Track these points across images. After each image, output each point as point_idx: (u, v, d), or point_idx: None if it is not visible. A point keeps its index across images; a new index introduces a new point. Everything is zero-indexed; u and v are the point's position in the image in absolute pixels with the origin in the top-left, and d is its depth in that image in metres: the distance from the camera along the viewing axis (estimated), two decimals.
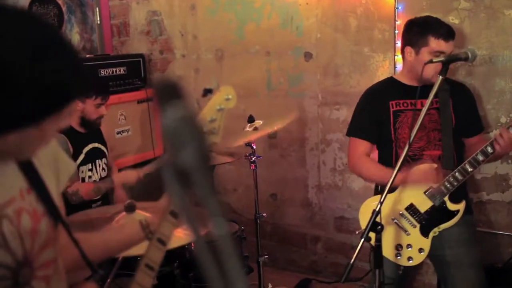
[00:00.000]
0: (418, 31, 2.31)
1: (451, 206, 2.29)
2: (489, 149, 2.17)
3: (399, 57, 3.03)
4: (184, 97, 0.54)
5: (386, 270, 2.09)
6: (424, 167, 2.23)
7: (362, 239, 1.85)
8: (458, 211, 2.29)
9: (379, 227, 1.88)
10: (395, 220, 2.30)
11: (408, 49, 2.35)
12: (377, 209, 1.87)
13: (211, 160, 0.52)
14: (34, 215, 1.08)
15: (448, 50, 2.23)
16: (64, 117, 0.98)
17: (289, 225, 3.73)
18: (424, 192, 2.29)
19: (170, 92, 0.54)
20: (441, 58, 1.95)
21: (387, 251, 2.27)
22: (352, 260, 1.84)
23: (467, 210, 2.34)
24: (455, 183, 2.23)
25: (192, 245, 2.55)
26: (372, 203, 2.41)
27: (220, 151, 2.86)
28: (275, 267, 3.66)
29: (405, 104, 2.37)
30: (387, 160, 2.39)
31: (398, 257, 2.30)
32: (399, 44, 3.01)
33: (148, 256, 1.21)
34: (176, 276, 2.58)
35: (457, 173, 2.22)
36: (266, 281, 3.08)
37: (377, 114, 2.40)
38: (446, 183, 2.24)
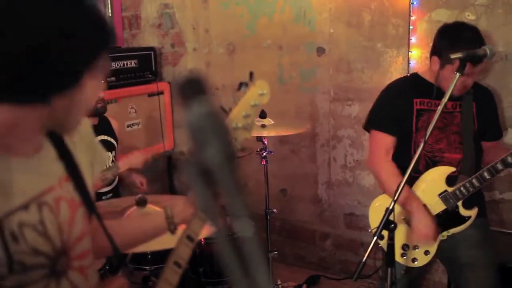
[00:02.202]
0: (448, 44, 2.17)
1: (463, 212, 2.25)
2: (509, 159, 2.12)
3: (413, 53, 3.00)
4: (209, 93, 0.53)
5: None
6: (428, 226, 2.17)
7: (375, 238, 1.82)
8: (469, 217, 2.25)
9: (392, 225, 1.85)
10: (406, 220, 2.27)
11: (435, 59, 2.23)
12: (390, 207, 1.84)
13: (236, 158, 0.50)
14: (72, 204, 1.08)
15: (475, 72, 2.15)
16: (97, 76, 1.02)
17: (299, 221, 3.71)
18: (438, 195, 2.25)
19: (195, 88, 0.52)
20: (459, 55, 1.90)
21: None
22: (364, 258, 1.82)
23: (481, 213, 2.31)
24: (471, 189, 2.19)
25: (202, 240, 2.54)
26: (380, 201, 2.38)
27: None
28: (284, 263, 3.64)
29: (429, 104, 2.28)
30: (403, 159, 2.30)
31: (404, 257, 2.28)
32: (413, 40, 2.99)
33: (176, 253, 1.21)
34: (187, 271, 2.58)
35: (474, 180, 2.18)
36: (274, 277, 3.08)
37: (400, 110, 2.29)
38: (462, 188, 2.20)
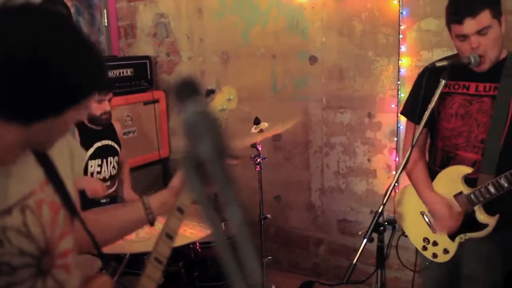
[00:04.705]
0: (445, 14, 2.01)
1: (481, 218, 2.04)
2: None
3: (403, 62, 3.07)
4: (202, 94, 0.58)
5: (419, 256, 2.21)
6: (446, 213, 2.07)
7: (365, 240, 1.86)
8: (487, 225, 2.03)
9: (381, 228, 1.90)
10: (424, 215, 2.22)
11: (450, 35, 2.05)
12: (379, 211, 1.89)
13: (228, 151, 0.55)
14: (53, 206, 1.12)
15: (469, 30, 1.89)
16: (83, 107, 1.04)
17: (293, 227, 3.76)
18: (454, 196, 2.10)
19: (189, 89, 0.57)
20: (444, 63, 1.95)
21: (416, 240, 2.25)
22: (355, 260, 1.85)
23: (506, 225, 2.03)
24: (487, 196, 1.96)
25: (197, 245, 2.58)
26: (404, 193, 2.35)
27: None
28: (278, 269, 3.69)
29: (456, 86, 2.06)
30: (428, 152, 2.23)
31: (425, 250, 2.23)
32: (403, 48, 3.06)
33: (157, 250, 1.26)
34: (182, 275, 2.61)
35: (490, 186, 1.95)
36: (269, 283, 3.10)
37: (425, 95, 2.02)
38: (477, 193, 2.00)
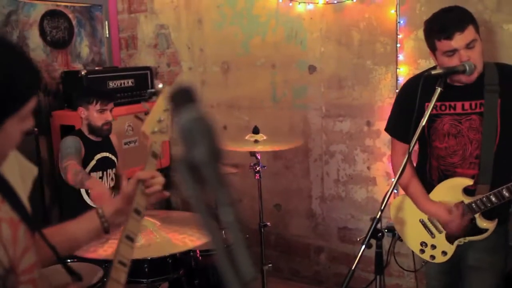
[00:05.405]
0: (426, 37, 2.10)
1: (481, 223, 2.13)
2: None
3: (401, 70, 3.11)
4: (197, 101, 0.61)
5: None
6: (451, 217, 2.13)
7: (363, 246, 1.89)
8: (487, 229, 2.13)
9: (380, 234, 1.92)
10: (423, 222, 2.27)
11: (432, 54, 2.12)
12: (377, 217, 1.91)
13: (222, 155, 0.58)
14: (12, 223, 1.12)
15: (459, 44, 1.96)
16: (24, 117, 1.05)
17: (293, 235, 3.77)
18: (455, 205, 2.16)
19: (185, 96, 0.60)
20: (439, 71, 1.98)
21: (413, 244, 2.30)
22: (353, 266, 1.87)
23: (502, 221, 2.16)
24: (488, 205, 2.06)
25: (198, 252, 2.60)
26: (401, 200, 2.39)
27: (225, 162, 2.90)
28: (279, 277, 3.70)
29: (443, 107, 2.12)
30: (421, 168, 2.28)
31: (422, 253, 2.29)
32: (401, 57, 3.10)
33: (119, 253, 1.27)
34: (183, 283, 2.63)
35: (492, 196, 2.04)
36: None
37: (412, 116, 2.03)
38: (479, 202, 2.08)
